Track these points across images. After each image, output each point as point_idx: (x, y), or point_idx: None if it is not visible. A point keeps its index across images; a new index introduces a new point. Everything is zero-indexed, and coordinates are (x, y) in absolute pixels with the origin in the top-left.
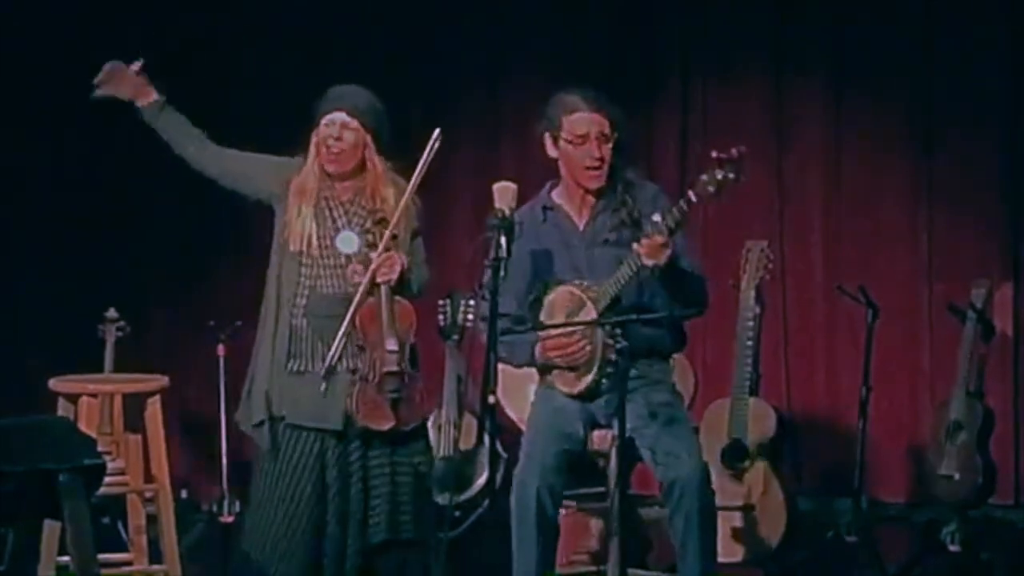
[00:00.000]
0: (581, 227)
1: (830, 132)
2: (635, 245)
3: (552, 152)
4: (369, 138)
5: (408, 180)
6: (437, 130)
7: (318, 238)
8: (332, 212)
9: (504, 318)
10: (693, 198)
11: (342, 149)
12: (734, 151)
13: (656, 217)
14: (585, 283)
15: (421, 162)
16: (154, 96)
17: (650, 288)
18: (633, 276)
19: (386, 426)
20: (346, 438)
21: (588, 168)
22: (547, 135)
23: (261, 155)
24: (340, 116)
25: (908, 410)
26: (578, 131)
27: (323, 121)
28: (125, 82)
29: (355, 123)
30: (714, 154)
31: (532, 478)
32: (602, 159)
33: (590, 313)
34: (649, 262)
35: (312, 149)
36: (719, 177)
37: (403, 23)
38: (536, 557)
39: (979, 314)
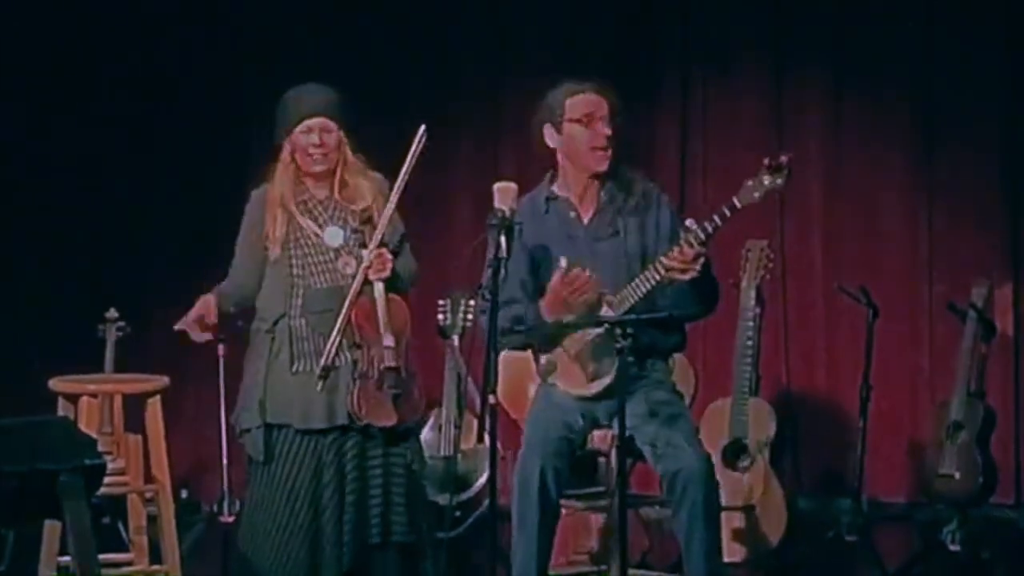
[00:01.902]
0: (585, 220)
1: (830, 132)
2: (662, 259)
3: (553, 142)
4: (344, 135)
5: (392, 175)
6: (422, 127)
7: (304, 237)
8: (312, 211)
9: (506, 308)
10: (737, 204)
11: (326, 152)
12: (783, 158)
13: (690, 223)
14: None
15: (408, 160)
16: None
17: (660, 289)
18: (659, 284)
19: (389, 422)
20: (344, 436)
21: (595, 148)
22: (547, 125)
23: (243, 243)
24: (318, 121)
25: (908, 410)
26: (585, 110)
27: (299, 128)
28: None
29: (332, 124)
30: (766, 161)
31: (535, 458)
32: (609, 139)
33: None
34: (684, 277)
35: (286, 156)
36: (766, 183)
37: (403, 23)
38: (536, 537)
39: (979, 314)
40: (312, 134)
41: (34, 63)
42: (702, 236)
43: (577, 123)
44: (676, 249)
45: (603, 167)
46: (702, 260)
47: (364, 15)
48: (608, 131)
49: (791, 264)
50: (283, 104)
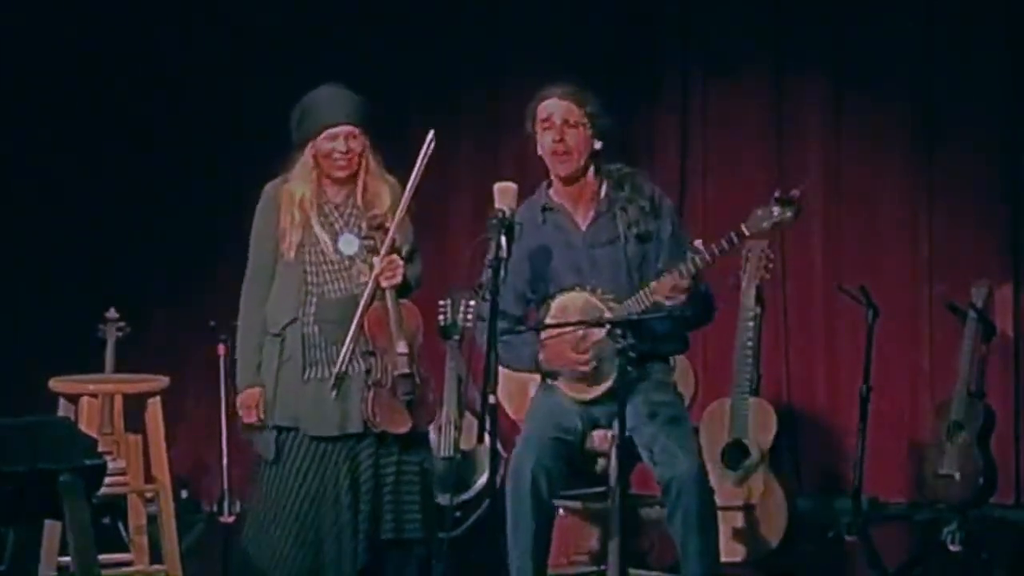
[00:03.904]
0: (583, 227)
1: (830, 132)
2: (653, 284)
3: (539, 150)
4: (367, 140)
5: (401, 179)
6: (431, 132)
7: (320, 243)
8: (329, 216)
9: (503, 319)
10: (746, 232)
11: (351, 159)
12: (795, 192)
13: (698, 243)
14: (600, 290)
15: (416, 167)
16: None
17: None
18: (652, 307)
19: (404, 429)
20: (358, 443)
21: (553, 153)
22: (531, 131)
23: (258, 251)
24: (344, 128)
25: (908, 410)
26: (544, 115)
27: (324, 135)
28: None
29: (357, 131)
30: (776, 193)
31: (528, 459)
32: (564, 142)
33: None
34: (669, 303)
35: (308, 159)
36: (775, 214)
37: (403, 23)
38: (531, 539)
39: (979, 314)
40: (338, 141)
41: (34, 64)
42: (708, 259)
43: (541, 129)
44: (667, 278)
45: (562, 171)
46: (689, 292)
47: (364, 15)
48: (560, 135)
49: (791, 264)
50: (308, 107)
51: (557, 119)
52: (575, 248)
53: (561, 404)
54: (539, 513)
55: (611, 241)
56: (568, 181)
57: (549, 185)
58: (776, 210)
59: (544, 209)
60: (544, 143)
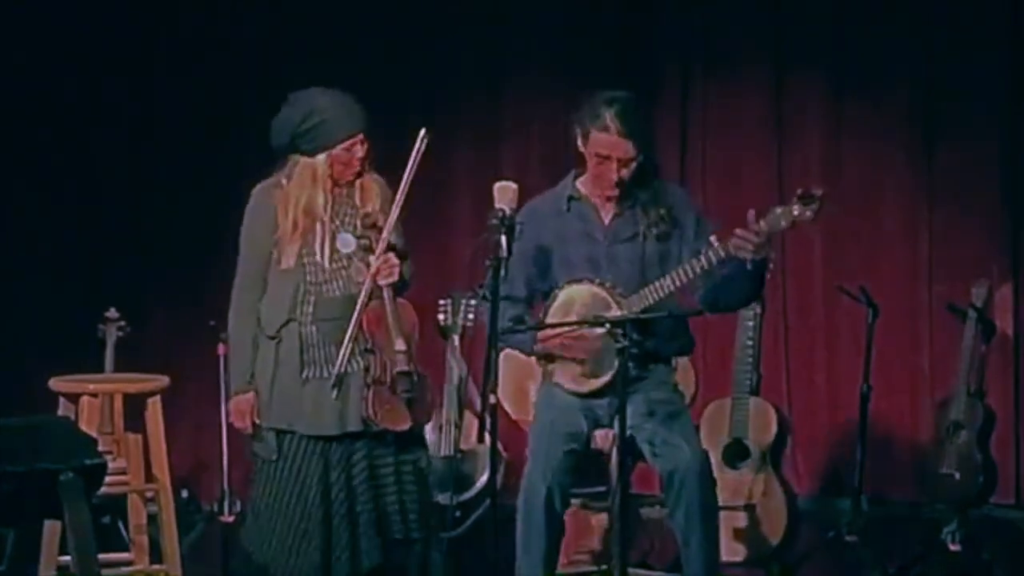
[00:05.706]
0: (607, 220)
1: (830, 132)
2: (712, 240)
3: (581, 147)
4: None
5: (400, 179)
6: (423, 130)
7: (318, 245)
8: (323, 216)
9: (507, 302)
10: (764, 229)
11: (362, 164)
12: (818, 191)
13: (713, 239)
14: (608, 283)
15: (409, 164)
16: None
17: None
18: (688, 284)
19: (405, 426)
20: (354, 441)
21: (608, 185)
22: (578, 130)
23: (252, 245)
24: (360, 135)
25: (908, 410)
26: (601, 151)
27: (345, 144)
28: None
29: (364, 136)
30: (799, 191)
31: (540, 478)
32: (620, 182)
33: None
34: (747, 256)
35: (323, 166)
36: (795, 212)
37: (403, 23)
38: (542, 555)
39: (979, 314)
40: (356, 148)
41: (33, 64)
42: (722, 255)
43: (596, 157)
44: (740, 232)
45: (610, 196)
46: (767, 247)
47: (363, 15)
48: (617, 176)
49: (791, 264)
50: (326, 116)
51: (616, 158)
52: (596, 242)
53: (564, 405)
54: (551, 528)
55: (631, 238)
56: (611, 199)
57: (576, 176)
58: (796, 208)
59: (571, 199)
60: (600, 174)
